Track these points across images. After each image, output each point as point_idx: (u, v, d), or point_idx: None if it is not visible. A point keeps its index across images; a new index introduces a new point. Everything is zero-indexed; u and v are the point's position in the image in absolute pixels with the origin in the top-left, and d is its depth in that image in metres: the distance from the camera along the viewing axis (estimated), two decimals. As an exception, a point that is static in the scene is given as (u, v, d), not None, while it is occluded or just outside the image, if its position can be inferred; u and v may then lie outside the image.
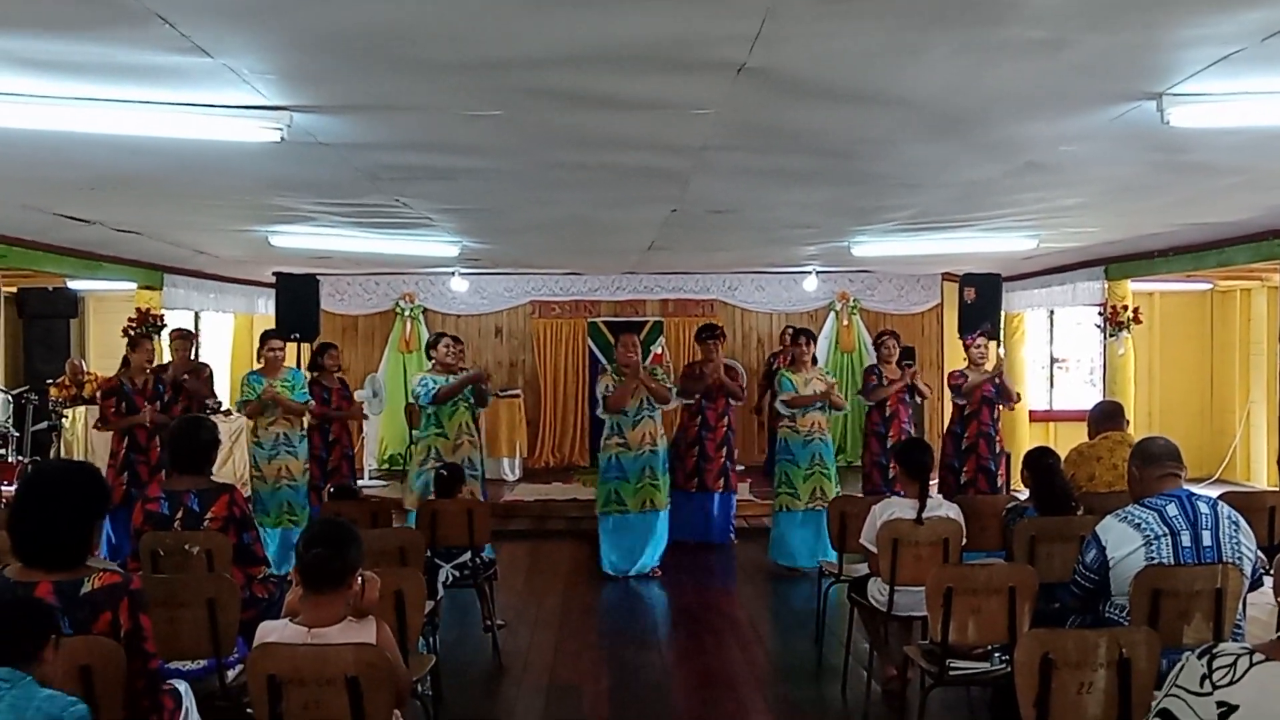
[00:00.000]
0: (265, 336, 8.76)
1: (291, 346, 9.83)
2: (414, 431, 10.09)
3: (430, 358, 8.74)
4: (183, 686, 3.68)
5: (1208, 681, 2.24)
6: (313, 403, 8.65)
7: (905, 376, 9.32)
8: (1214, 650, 2.29)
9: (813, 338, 9.29)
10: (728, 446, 9.63)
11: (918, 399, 9.54)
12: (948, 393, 9.54)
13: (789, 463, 8.86)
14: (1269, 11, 3.13)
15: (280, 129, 4.31)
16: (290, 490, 8.19)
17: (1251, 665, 2.21)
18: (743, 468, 10.29)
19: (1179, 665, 2.33)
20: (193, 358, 9.29)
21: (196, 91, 4.00)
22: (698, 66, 3.74)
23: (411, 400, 8.79)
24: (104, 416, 8.42)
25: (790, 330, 13.22)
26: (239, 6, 3.11)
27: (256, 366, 8.64)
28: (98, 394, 9.20)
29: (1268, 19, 3.19)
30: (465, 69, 3.79)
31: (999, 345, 10.78)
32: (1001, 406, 9.17)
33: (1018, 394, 9.23)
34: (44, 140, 4.70)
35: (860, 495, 8.33)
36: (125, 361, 8.66)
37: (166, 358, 10.25)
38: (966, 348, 9.16)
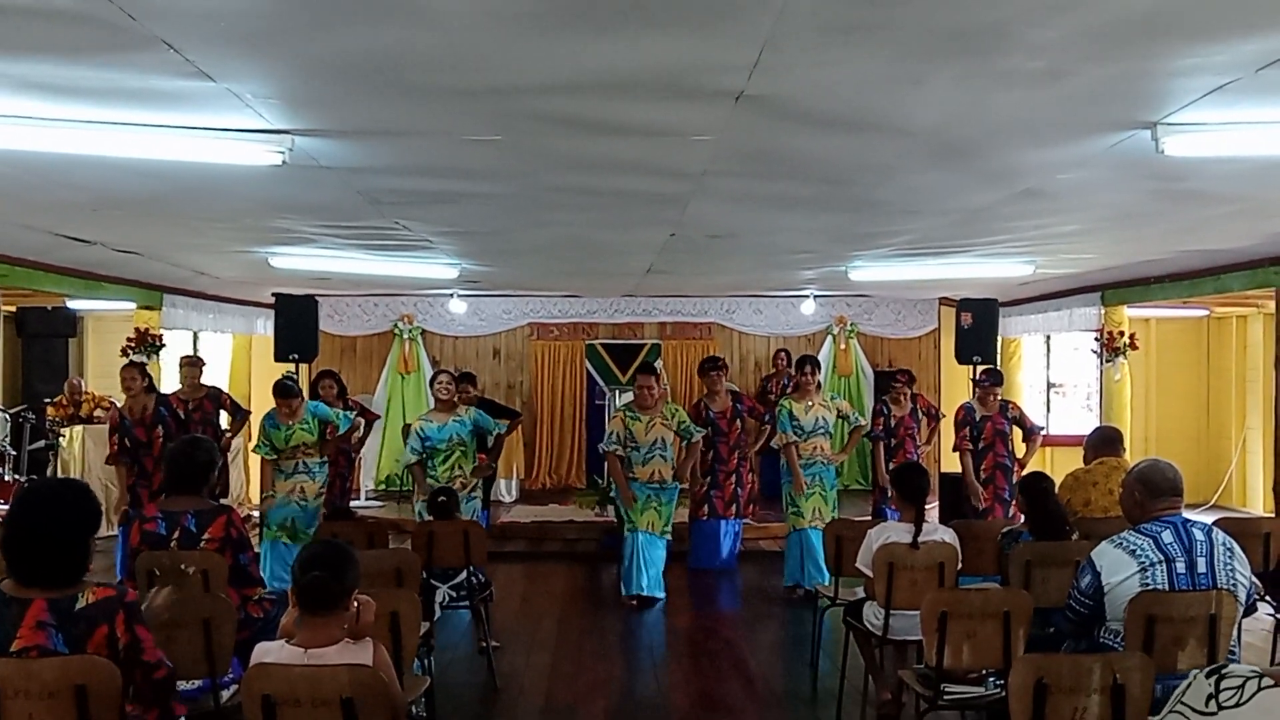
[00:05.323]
0: (280, 394, 8.24)
1: (290, 367, 9.83)
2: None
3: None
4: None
5: (1214, 701, 2.23)
6: (340, 427, 8.58)
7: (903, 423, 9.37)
8: (1223, 670, 2.28)
9: (817, 365, 9.15)
10: (738, 475, 9.66)
11: (926, 421, 9.63)
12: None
13: (790, 484, 8.84)
14: (1263, 43, 3.17)
15: (282, 152, 4.35)
16: (299, 509, 8.14)
17: (1260, 689, 2.21)
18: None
19: (1186, 682, 2.33)
20: (201, 382, 9.23)
21: (199, 115, 4.03)
22: (697, 94, 3.77)
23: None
24: (111, 455, 8.52)
25: (784, 353, 13.27)
26: (242, 32, 3.14)
27: (274, 408, 8.31)
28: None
29: (1262, 50, 3.23)
30: (466, 94, 3.82)
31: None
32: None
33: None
34: (47, 162, 4.74)
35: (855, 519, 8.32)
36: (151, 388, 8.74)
37: (167, 377, 10.26)
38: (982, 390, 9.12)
